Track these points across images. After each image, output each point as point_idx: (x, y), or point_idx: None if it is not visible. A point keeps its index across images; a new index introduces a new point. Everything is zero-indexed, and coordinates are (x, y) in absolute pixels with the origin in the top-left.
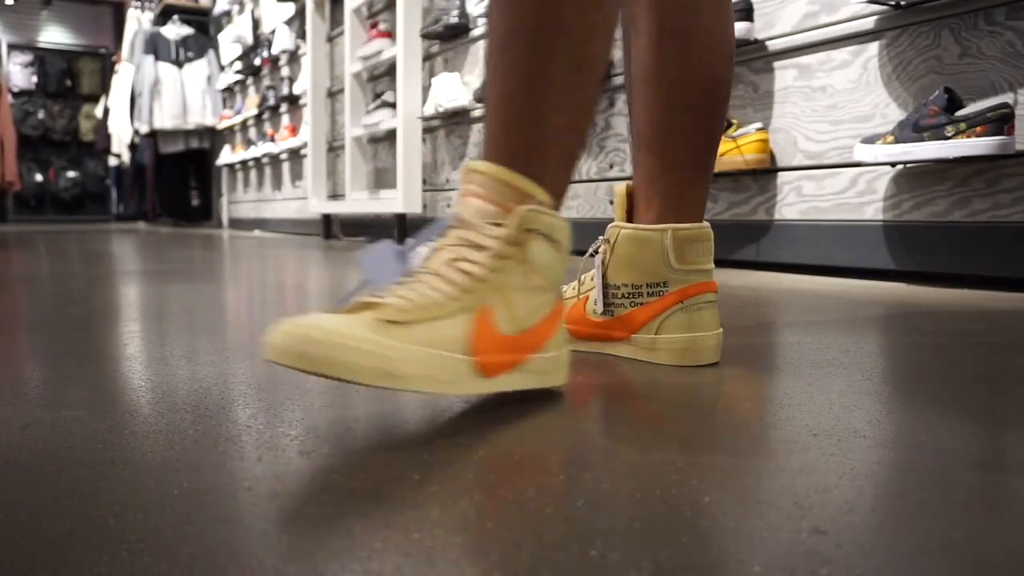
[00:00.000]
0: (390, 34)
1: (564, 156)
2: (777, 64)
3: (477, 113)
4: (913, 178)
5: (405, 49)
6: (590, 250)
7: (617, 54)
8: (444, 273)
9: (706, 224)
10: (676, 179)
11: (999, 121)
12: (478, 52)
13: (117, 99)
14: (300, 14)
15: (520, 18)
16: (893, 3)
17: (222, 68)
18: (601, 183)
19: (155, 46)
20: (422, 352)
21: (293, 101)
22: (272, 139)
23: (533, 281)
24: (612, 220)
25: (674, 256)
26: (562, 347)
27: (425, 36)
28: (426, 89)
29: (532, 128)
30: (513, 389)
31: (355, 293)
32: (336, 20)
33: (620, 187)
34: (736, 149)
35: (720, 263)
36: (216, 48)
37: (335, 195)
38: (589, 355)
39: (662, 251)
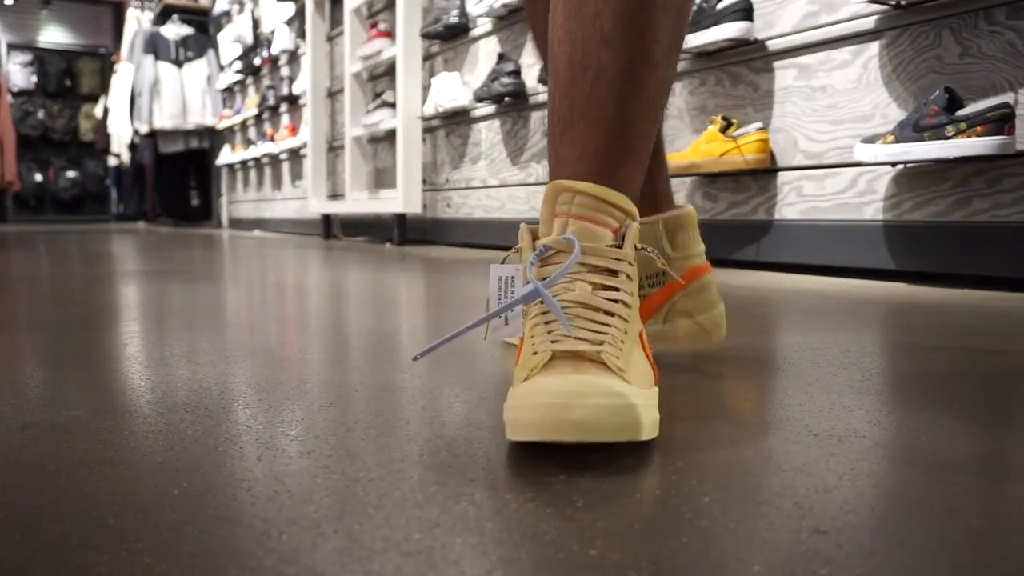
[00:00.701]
0: (390, 34)
1: (644, 168)
2: (777, 64)
3: (477, 113)
4: (913, 178)
5: (405, 49)
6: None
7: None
8: (600, 305)
9: (688, 206)
10: (652, 175)
11: (999, 121)
12: (478, 52)
13: (117, 99)
14: (300, 14)
15: (654, 42)
16: (893, 3)
17: (222, 68)
18: None
19: (155, 46)
20: (650, 393)
21: (293, 101)
22: (272, 139)
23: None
24: None
25: (668, 245)
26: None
27: (425, 36)
28: (426, 89)
29: (641, 152)
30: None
31: (485, 319)
32: (336, 20)
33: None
34: (736, 149)
35: (720, 263)
36: (216, 48)
37: (335, 195)
38: None
39: (656, 242)
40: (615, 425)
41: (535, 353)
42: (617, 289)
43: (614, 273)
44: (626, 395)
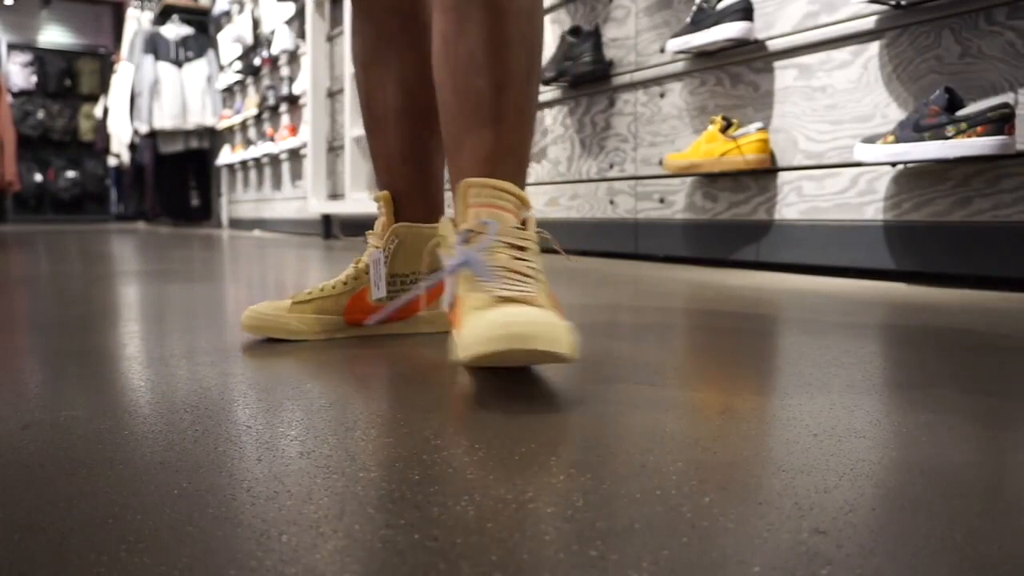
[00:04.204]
0: None
1: (524, 166)
2: (777, 64)
3: None
4: (913, 178)
5: None
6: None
7: (616, 52)
8: (520, 269)
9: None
10: (435, 187)
11: (999, 121)
12: None
13: (117, 99)
14: (300, 14)
15: (516, 65)
16: (893, 3)
17: (222, 68)
18: (601, 183)
19: (155, 46)
20: (571, 326)
21: (293, 101)
22: (272, 139)
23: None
24: (610, 219)
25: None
26: None
27: None
28: None
29: (522, 150)
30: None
31: (418, 292)
32: (336, 20)
33: (385, 194)
34: (736, 149)
35: (720, 263)
36: (216, 48)
37: (335, 195)
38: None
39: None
40: (548, 338)
41: (478, 302)
42: (529, 260)
43: (523, 249)
44: (555, 319)
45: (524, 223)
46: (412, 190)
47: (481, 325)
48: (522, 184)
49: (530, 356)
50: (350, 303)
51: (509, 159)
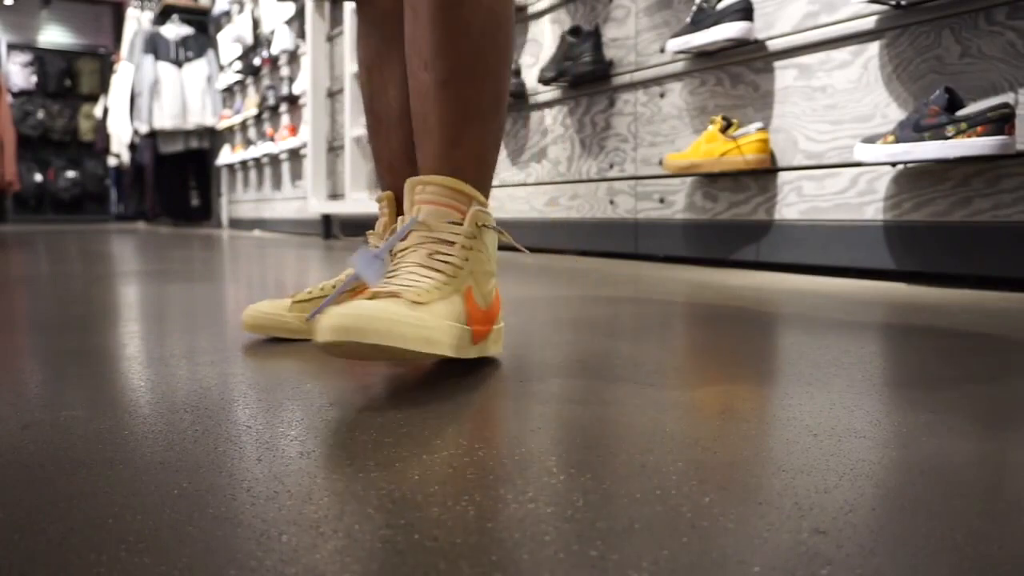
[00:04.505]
0: None
1: (490, 165)
2: (777, 64)
3: None
4: (913, 178)
5: None
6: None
7: (616, 52)
8: (430, 264)
9: None
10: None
11: (1000, 121)
12: None
13: (116, 99)
14: (300, 14)
15: (459, 61)
16: (893, 3)
17: (222, 68)
18: (601, 183)
19: (155, 46)
20: (446, 324)
21: (293, 101)
22: (272, 139)
23: (490, 266)
24: (610, 219)
25: None
26: (501, 320)
27: None
28: None
29: (470, 146)
30: (487, 355)
31: (346, 288)
32: (336, 20)
33: (388, 194)
34: (736, 149)
35: (720, 263)
36: (216, 48)
37: (335, 195)
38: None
39: None
40: (381, 331)
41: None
42: (449, 255)
43: (450, 244)
44: (406, 315)
45: (464, 217)
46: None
47: (337, 312)
48: (480, 179)
49: (370, 351)
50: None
51: (453, 153)
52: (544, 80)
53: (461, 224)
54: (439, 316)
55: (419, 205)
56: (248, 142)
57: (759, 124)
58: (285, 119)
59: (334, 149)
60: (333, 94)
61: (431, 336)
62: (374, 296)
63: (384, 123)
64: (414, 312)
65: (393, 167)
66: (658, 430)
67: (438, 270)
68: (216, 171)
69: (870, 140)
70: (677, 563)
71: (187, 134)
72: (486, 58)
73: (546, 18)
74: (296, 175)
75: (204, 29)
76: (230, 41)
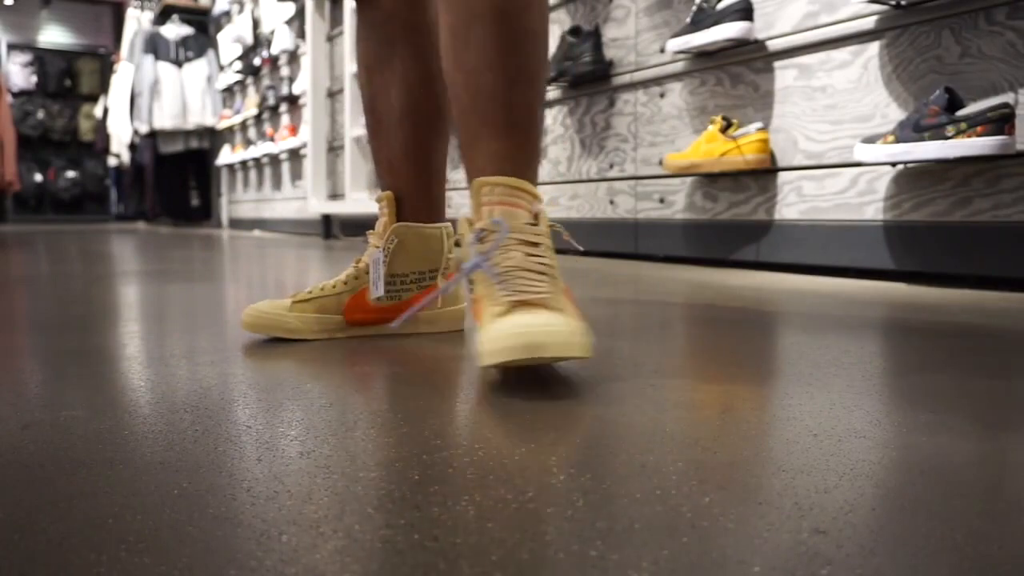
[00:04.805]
0: None
1: (535, 160)
2: (777, 64)
3: None
4: (913, 178)
5: None
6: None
7: (616, 52)
8: (533, 268)
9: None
10: (436, 188)
11: (999, 121)
12: None
13: (116, 99)
14: (300, 14)
15: (526, 62)
16: (893, 3)
17: (222, 68)
18: (601, 183)
19: (155, 46)
20: (584, 326)
21: (293, 101)
22: (272, 139)
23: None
24: (610, 219)
25: (448, 247)
26: None
27: None
28: None
29: (531, 145)
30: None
31: (435, 297)
32: (336, 20)
33: (388, 194)
34: (736, 149)
35: (720, 263)
36: (216, 48)
37: (335, 195)
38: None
39: (441, 242)
40: (561, 344)
41: (495, 306)
42: (542, 256)
43: (536, 245)
44: (568, 323)
45: (536, 218)
46: (414, 191)
47: (497, 333)
48: (534, 179)
49: (545, 360)
50: (350, 302)
51: (521, 155)
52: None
53: (536, 224)
54: (577, 319)
55: (491, 207)
56: (248, 142)
57: (759, 124)
58: (285, 119)
59: (334, 149)
60: (333, 94)
61: (584, 342)
62: (520, 306)
63: (385, 124)
64: (569, 320)
65: (393, 167)
66: (658, 430)
67: (542, 273)
68: (216, 171)
69: (870, 140)
70: (677, 563)
71: (187, 134)
72: (542, 61)
73: None
74: (296, 175)
75: (204, 29)
76: (230, 41)
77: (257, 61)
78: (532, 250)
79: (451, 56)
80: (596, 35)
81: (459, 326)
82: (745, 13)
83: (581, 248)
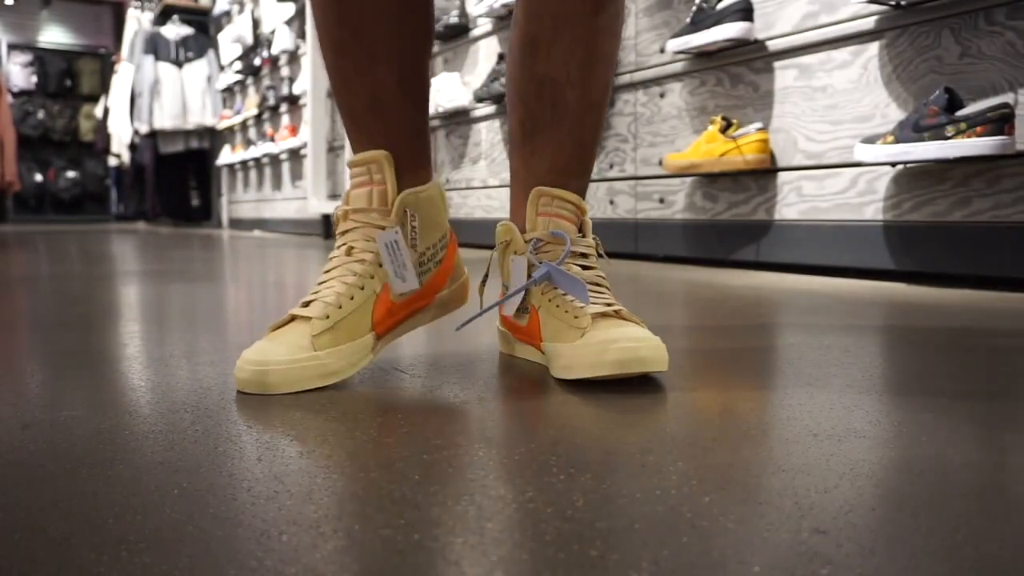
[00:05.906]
0: None
1: (589, 177)
2: (777, 64)
3: (477, 113)
4: (913, 178)
5: None
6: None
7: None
8: (594, 279)
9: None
10: (427, 135)
11: (999, 121)
12: (478, 52)
13: (117, 99)
14: (300, 14)
15: (604, 85)
16: (893, 3)
17: (222, 68)
18: (601, 183)
19: (155, 46)
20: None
21: (293, 101)
22: (272, 139)
23: None
24: (610, 219)
25: (446, 204)
26: None
27: None
28: None
29: (591, 166)
30: None
31: (498, 303)
32: None
33: (386, 153)
34: (736, 149)
35: (720, 263)
36: (216, 48)
37: (335, 195)
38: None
39: (445, 202)
40: (652, 359)
41: (577, 317)
42: (593, 267)
43: (586, 256)
44: (652, 337)
45: (581, 229)
46: (412, 140)
47: (587, 348)
48: (584, 194)
49: (635, 373)
50: (378, 311)
51: (585, 174)
52: None
53: (583, 236)
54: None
55: (547, 218)
56: (248, 142)
57: (759, 124)
58: (285, 119)
59: (334, 149)
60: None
61: (666, 355)
62: (603, 318)
63: (368, 37)
64: (650, 333)
65: (383, 106)
66: (658, 430)
67: (599, 284)
68: (216, 171)
69: (870, 140)
70: (677, 563)
71: (187, 134)
72: (611, 85)
73: None
74: (296, 175)
75: (204, 29)
76: (230, 41)
77: (257, 61)
78: (584, 261)
79: (527, 64)
80: None
81: (465, 300)
82: (745, 13)
83: (608, 260)
